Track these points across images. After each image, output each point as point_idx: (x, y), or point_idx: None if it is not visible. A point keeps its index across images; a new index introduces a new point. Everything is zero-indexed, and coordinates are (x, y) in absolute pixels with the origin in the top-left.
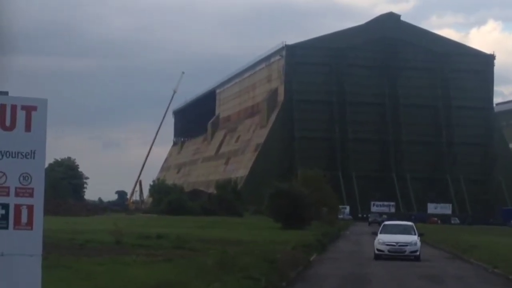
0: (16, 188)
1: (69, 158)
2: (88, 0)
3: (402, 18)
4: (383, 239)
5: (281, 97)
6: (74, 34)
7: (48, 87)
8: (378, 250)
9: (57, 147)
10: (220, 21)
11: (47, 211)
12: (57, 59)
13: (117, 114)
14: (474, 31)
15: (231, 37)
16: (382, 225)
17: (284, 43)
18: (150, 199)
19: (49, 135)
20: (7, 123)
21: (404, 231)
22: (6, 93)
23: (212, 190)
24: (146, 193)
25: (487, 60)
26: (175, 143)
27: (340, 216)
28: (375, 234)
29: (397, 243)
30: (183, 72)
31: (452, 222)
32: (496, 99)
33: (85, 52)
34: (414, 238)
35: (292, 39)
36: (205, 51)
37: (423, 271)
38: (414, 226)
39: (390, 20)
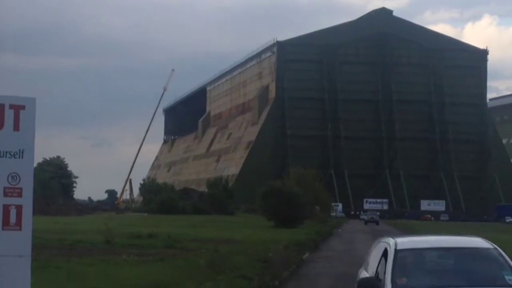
0: (4, 188)
1: (58, 157)
2: (85, 0)
3: (396, 14)
4: None
5: (272, 94)
6: (65, 33)
7: (39, 86)
8: None
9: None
10: (212, 19)
11: (36, 211)
12: (48, 59)
13: (107, 113)
14: (469, 26)
15: (222, 35)
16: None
17: (275, 40)
18: (141, 198)
19: (39, 134)
20: None
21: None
22: None
23: (203, 188)
24: (136, 192)
25: (481, 56)
26: (165, 141)
27: (333, 214)
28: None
29: None
30: (173, 70)
31: (442, 218)
32: (491, 95)
33: (76, 51)
34: None
35: (284, 36)
36: (196, 49)
37: None
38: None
39: (382, 15)
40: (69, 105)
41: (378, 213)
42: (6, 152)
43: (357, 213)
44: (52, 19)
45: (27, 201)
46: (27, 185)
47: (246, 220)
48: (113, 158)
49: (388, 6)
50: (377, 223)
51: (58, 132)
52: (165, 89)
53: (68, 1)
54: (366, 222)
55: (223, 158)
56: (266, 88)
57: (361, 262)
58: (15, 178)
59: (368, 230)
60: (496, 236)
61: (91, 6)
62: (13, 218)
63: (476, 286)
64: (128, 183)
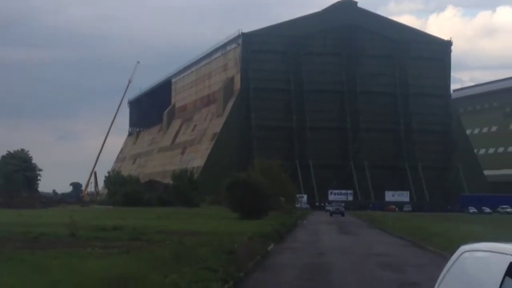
0: None
1: (22, 150)
2: None
3: (361, 5)
4: None
5: (237, 85)
6: (29, 24)
7: (0, 78)
8: None
9: (9, 138)
10: (177, 10)
11: None
12: (10, 50)
13: (72, 106)
14: (433, 17)
15: (187, 26)
16: None
17: (240, 31)
18: (106, 191)
19: (2, 126)
20: None
21: None
22: None
23: (168, 180)
24: (101, 184)
25: (445, 47)
26: (130, 134)
27: (298, 205)
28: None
29: None
30: (138, 62)
31: (405, 209)
32: (455, 86)
33: (40, 42)
34: None
35: (249, 27)
36: (161, 41)
37: (383, 260)
38: None
39: (347, 7)
40: (32, 97)
41: (343, 204)
42: None
43: (322, 204)
44: (13, 8)
45: None
46: None
47: (211, 212)
48: (78, 151)
49: None
50: (343, 215)
51: (22, 124)
52: (130, 81)
53: None
54: (331, 213)
55: (188, 150)
56: (231, 80)
57: (327, 253)
58: None
59: (333, 221)
60: (459, 227)
61: None
62: None
63: None
64: (93, 175)
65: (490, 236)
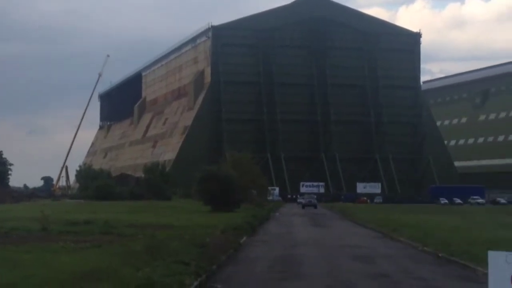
0: None
1: None
2: None
3: None
4: None
5: (208, 79)
6: None
7: None
8: None
9: None
10: (147, 4)
11: None
12: None
13: (43, 100)
14: (403, 9)
15: (157, 19)
16: None
17: (210, 24)
18: (77, 185)
19: None
20: None
21: None
22: None
23: (140, 174)
24: (72, 178)
25: (414, 39)
26: (101, 127)
27: (270, 198)
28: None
29: None
30: (108, 55)
31: (375, 201)
32: (425, 77)
33: (9, 36)
34: None
35: (219, 20)
36: (131, 34)
37: (354, 252)
38: None
39: None
40: (2, 91)
41: (315, 196)
42: None
43: (294, 196)
44: None
45: None
46: None
47: (183, 205)
48: (48, 145)
49: None
50: (315, 207)
51: None
52: (100, 75)
53: None
54: (303, 206)
55: (160, 143)
56: (201, 73)
57: (300, 245)
58: None
59: (304, 213)
60: (429, 218)
61: None
62: None
63: None
64: (64, 169)
65: (463, 227)
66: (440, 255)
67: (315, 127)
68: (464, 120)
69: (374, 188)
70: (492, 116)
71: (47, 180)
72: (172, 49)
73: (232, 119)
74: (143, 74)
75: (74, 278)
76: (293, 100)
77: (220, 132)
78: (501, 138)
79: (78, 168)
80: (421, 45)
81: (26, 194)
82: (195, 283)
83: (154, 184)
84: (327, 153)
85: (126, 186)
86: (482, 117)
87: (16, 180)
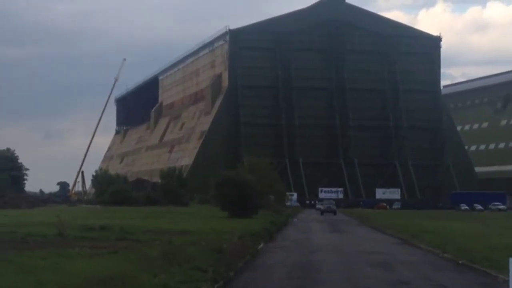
0: None
1: (8, 149)
2: None
3: (348, 1)
4: None
5: (225, 83)
6: (12, 21)
7: None
8: None
9: None
10: (164, 6)
11: None
12: None
13: (59, 104)
14: (423, 13)
15: (174, 23)
16: None
17: (227, 28)
18: (93, 190)
19: None
20: None
21: None
22: None
23: (156, 179)
24: (88, 184)
25: (434, 42)
26: (117, 132)
27: (288, 203)
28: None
29: None
30: (124, 59)
31: (394, 207)
32: (445, 82)
33: (25, 40)
34: None
35: (237, 24)
36: (148, 37)
37: (373, 258)
38: None
39: (335, 2)
40: (18, 96)
41: (334, 202)
42: None
43: (312, 202)
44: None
45: None
46: None
47: (200, 211)
48: (65, 150)
49: None
50: (335, 213)
51: (8, 123)
52: (116, 79)
53: None
54: (322, 212)
55: (176, 148)
56: (219, 77)
57: (318, 251)
58: None
59: (323, 219)
60: (449, 224)
61: None
62: None
63: None
64: (80, 174)
65: (483, 233)
66: (460, 262)
67: (333, 131)
68: (485, 125)
69: (394, 194)
70: None
71: (63, 185)
72: (189, 52)
73: (250, 124)
74: (160, 78)
75: (90, 284)
76: (312, 104)
77: (238, 137)
78: None
79: (94, 173)
80: (442, 49)
81: (42, 199)
82: None
83: (171, 189)
84: (345, 158)
85: (142, 191)
86: (504, 122)
87: (31, 185)
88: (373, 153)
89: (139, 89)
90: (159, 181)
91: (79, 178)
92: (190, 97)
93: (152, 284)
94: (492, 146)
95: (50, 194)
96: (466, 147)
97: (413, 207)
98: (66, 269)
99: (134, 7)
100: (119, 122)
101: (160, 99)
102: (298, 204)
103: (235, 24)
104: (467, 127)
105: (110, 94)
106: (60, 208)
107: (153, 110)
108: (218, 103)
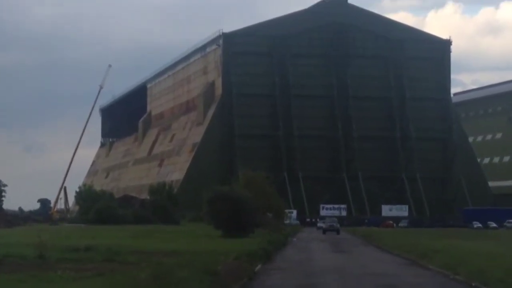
0: None
1: None
2: None
3: (351, 1)
4: None
5: (218, 90)
6: None
7: None
8: None
9: None
10: (152, 9)
11: None
12: None
13: (39, 114)
14: (431, 15)
15: (163, 26)
16: None
17: (221, 31)
18: (77, 208)
19: None
20: None
21: None
22: None
23: (145, 195)
24: (71, 200)
25: (444, 46)
26: (102, 145)
27: (287, 221)
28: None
29: None
30: (109, 66)
31: (400, 225)
32: (455, 89)
33: (3, 45)
34: None
35: (230, 27)
36: (135, 42)
37: (379, 281)
38: None
39: (336, 3)
40: None
41: (337, 220)
42: None
43: (313, 220)
44: None
45: None
46: None
47: (192, 230)
48: (45, 164)
49: None
50: (338, 232)
51: None
52: (101, 87)
53: None
54: (324, 231)
55: (166, 162)
56: (211, 84)
57: (319, 274)
58: None
59: (324, 238)
60: (461, 243)
61: None
62: None
63: None
64: (62, 191)
65: (498, 253)
66: (473, 284)
67: (335, 143)
68: (498, 135)
69: (401, 210)
70: None
71: (44, 202)
72: (179, 58)
73: (245, 135)
74: (148, 86)
75: None
76: (312, 114)
77: (232, 149)
78: None
79: (77, 189)
80: (452, 54)
81: (21, 218)
82: None
83: (161, 206)
84: (349, 172)
85: (130, 208)
86: None
87: (10, 202)
88: (378, 166)
89: (126, 98)
90: (148, 197)
91: (62, 195)
92: (181, 106)
93: None
94: (506, 158)
95: (30, 212)
96: (478, 159)
97: (422, 224)
98: None
99: (121, 11)
100: (105, 134)
101: (148, 108)
102: (297, 222)
103: (229, 28)
104: (479, 138)
105: (95, 103)
106: (41, 228)
107: (141, 121)
108: (211, 112)
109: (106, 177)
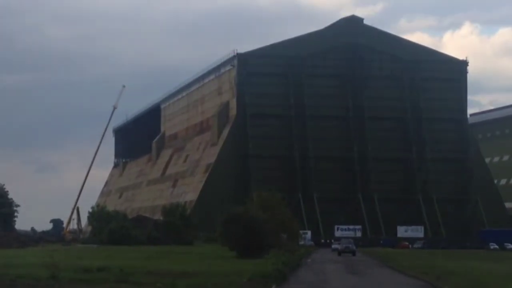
0: None
1: None
2: (22, 7)
3: (367, 22)
4: None
5: (233, 111)
6: (5, 45)
7: None
8: None
9: None
10: (166, 30)
11: None
12: None
13: (53, 134)
14: (448, 35)
15: (178, 47)
16: None
17: (235, 52)
18: (89, 228)
19: None
20: None
21: None
22: None
23: (158, 216)
24: (84, 221)
25: (460, 67)
26: (116, 165)
27: (301, 242)
28: None
29: None
30: (123, 86)
31: (415, 246)
32: (472, 110)
33: (18, 65)
34: None
35: (245, 47)
36: (149, 63)
37: None
38: None
39: (352, 24)
40: (6, 125)
41: (353, 241)
42: None
43: (328, 241)
44: None
45: None
46: None
47: (206, 251)
48: (58, 184)
49: (360, 13)
50: (354, 254)
51: None
52: (115, 107)
53: (2, 8)
54: (340, 252)
55: (180, 182)
56: (226, 105)
57: None
58: None
59: (339, 260)
60: (477, 265)
61: (29, 14)
62: None
63: None
64: (75, 211)
65: None
66: None
67: (351, 164)
68: None
69: (417, 231)
70: None
71: (57, 223)
72: (193, 79)
73: (260, 156)
74: (162, 106)
75: None
76: (327, 135)
77: (247, 170)
78: None
79: (90, 210)
80: (468, 74)
81: (34, 239)
82: None
83: (174, 227)
84: (364, 193)
85: (143, 229)
86: None
87: (23, 223)
88: (394, 188)
89: (139, 118)
90: (161, 218)
91: (74, 215)
92: (195, 127)
93: None
94: None
95: (43, 232)
96: (495, 181)
97: (438, 246)
98: None
99: (135, 31)
100: (118, 154)
101: (162, 129)
102: (312, 243)
103: (243, 48)
104: (496, 159)
105: (108, 123)
106: (53, 248)
107: (154, 141)
108: (225, 133)
109: (120, 197)
